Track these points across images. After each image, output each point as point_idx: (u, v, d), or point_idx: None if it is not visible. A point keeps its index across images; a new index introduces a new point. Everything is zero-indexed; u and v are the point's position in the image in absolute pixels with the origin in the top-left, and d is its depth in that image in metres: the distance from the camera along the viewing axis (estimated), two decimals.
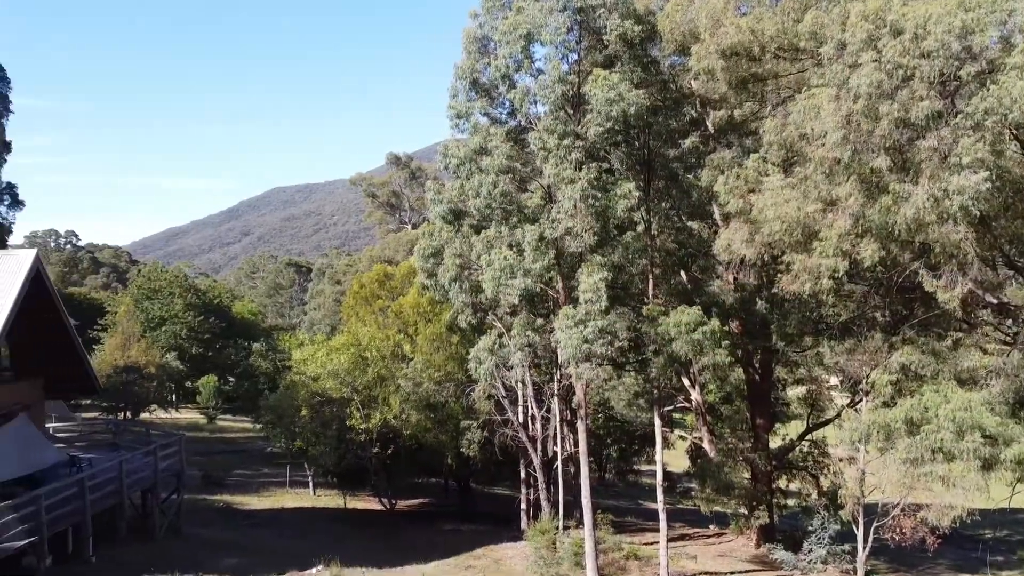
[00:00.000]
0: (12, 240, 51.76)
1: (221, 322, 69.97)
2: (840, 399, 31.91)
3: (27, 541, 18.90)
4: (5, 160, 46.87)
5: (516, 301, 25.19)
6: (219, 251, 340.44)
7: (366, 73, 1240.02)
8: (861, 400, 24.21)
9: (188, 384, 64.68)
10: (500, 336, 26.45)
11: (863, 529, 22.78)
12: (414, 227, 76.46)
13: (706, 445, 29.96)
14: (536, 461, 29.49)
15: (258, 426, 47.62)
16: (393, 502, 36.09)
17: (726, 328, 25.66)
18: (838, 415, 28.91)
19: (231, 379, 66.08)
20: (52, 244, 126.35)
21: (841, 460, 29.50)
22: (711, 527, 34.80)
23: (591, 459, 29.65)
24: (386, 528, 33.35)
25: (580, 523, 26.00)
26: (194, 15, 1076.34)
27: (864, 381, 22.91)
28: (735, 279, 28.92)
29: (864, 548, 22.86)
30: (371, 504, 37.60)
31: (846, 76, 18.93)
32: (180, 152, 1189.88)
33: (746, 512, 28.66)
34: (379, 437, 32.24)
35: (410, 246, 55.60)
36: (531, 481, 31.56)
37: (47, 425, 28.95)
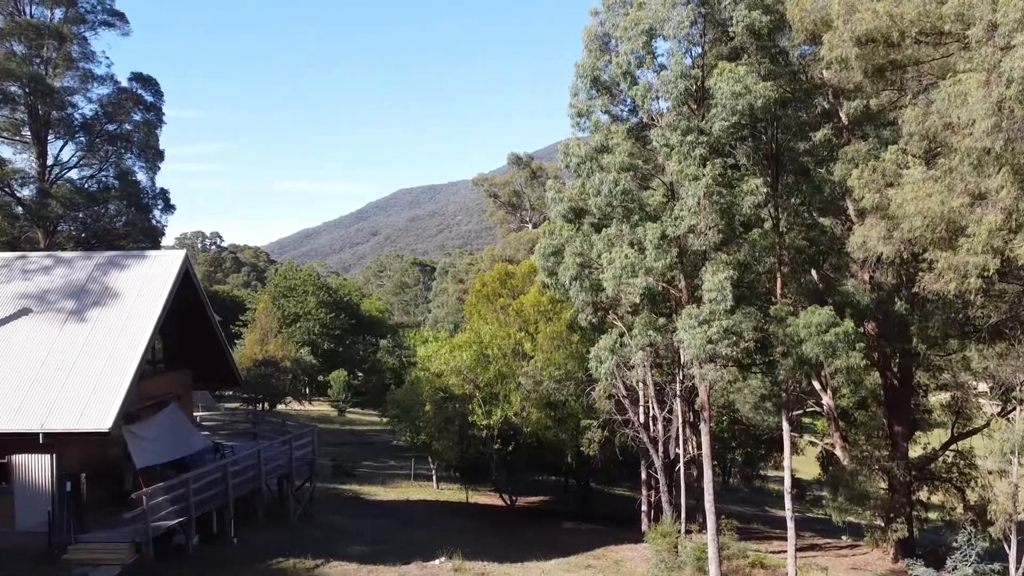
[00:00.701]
0: (164, 242, 55.58)
1: (351, 319, 72.89)
2: (990, 407, 29.68)
3: (177, 521, 20.37)
4: (159, 168, 50.57)
5: (637, 300, 24.88)
6: (349, 251, 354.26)
7: (489, 74, 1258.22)
8: (1014, 409, 22.41)
9: (320, 378, 67.78)
10: (621, 335, 26.19)
11: (1015, 548, 21.10)
12: (535, 226, 76.91)
13: (838, 452, 28.58)
14: (657, 463, 29.03)
15: (385, 420, 49.32)
16: (514, 498, 36.48)
17: (861, 329, 24.37)
18: (987, 424, 26.97)
19: (360, 374, 68.73)
20: (199, 245, 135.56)
21: (991, 473, 27.36)
22: (843, 538, 33.17)
23: (715, 463, 28.90)
24: (506, 523, 33.75)
25: (703, 527, 25.39)
26: (320, 27, 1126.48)
27: (1018, 388, 21.20)
28: (871, 278, 27.42)
29: (1017, 569, 21.17)
30: (492, 499, 38.15)
31: (997, 59, 17.56)
32: (313, 157, 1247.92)
33: (882, 524, 27.14)
34: (500, 434, 32.66)
35: (531, 245, 55.97)
36: (652, 483, 31.10)
37: (195, 414, 31.07)
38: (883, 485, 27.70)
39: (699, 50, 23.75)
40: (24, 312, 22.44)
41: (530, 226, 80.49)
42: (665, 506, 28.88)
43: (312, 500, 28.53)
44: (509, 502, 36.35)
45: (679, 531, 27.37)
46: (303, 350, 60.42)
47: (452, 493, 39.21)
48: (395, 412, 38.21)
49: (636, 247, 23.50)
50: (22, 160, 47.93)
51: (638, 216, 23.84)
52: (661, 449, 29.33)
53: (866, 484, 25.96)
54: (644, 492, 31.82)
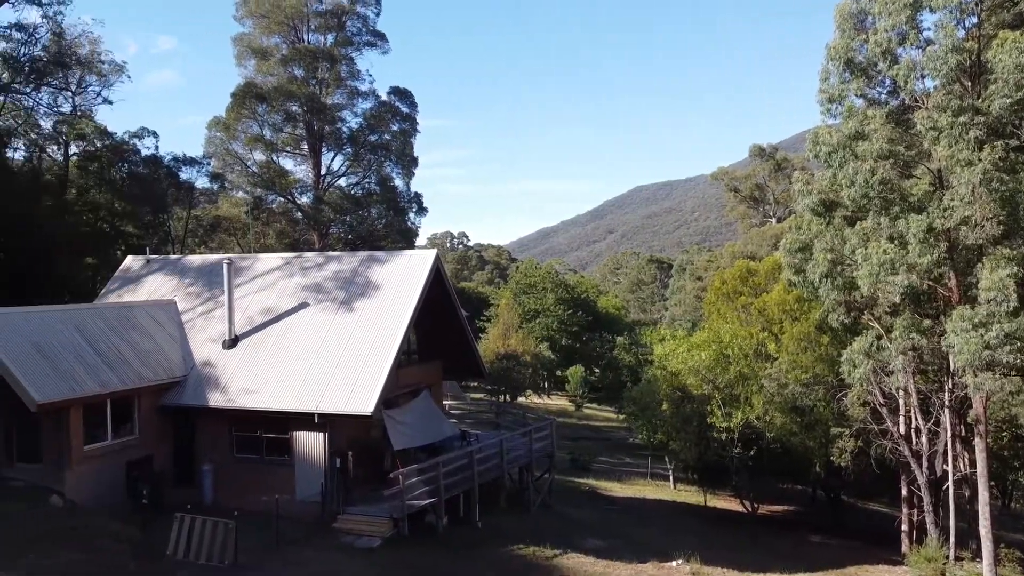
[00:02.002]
0: (417, 242, 60.01)
1: (588, 316, 73.98)
2: None
3: (429, 501, 21.89)
4: (413, 173, 54.70)
5: (897, 299, 22.76)
6: (585, 249, 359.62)
7: (727, 65, 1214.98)
8: None
9: (558, 373, 69.49)
10: (878, 338, 24.11)
11: None
12: (779, 221, 73.05)
13: None
14: (921, 479, 26.33)
15: (621, 416, 49.49)
16: (755, 505, 34.96)
17: None
18: None
19: (596, 370, 69.52)
20: (447, 244, 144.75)
21: None
22: None
23: (992, 484, 25.62)
24: (746, 530, 32.42)
25: (976, 555, 22.66)
26: (555, 30, 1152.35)
27: None
28: None
29: None
30: (731, 504, 36.86)
31: None
32: (551, 157, 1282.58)
33: None
34: (741, 437, 31.46)
35: (774, 241, 53.27)
36: (914, 501, 28.27)
37: (444, 403, 33.20)
38: None
39: (974, 20, 21.21)
40: (303, 305, 25.31)
41: (773, 221, 76.58)
42: (930, 527, 26.12)
43: (551, 491, 29.32)
44: (750, 508, 34.89)
45: (947, 557, 24.64)
46: (542, 345, 62.26)
47: (689, 495, 38.41)
48: (632, 409, 38.22)
49: (896, 241, 21.49)
50: (301, 171, 54.18)
51: (899, 208, 21.79)
52: (925, 464, 26.56)
53: None
54: (905, 510, 29.02)
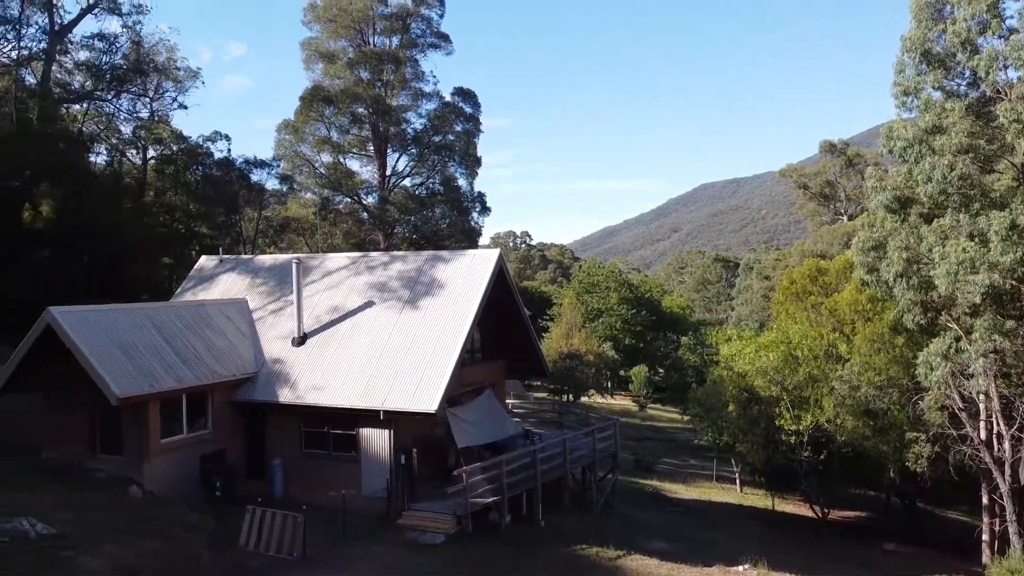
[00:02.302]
0: (480, 241, 60.32)
1: (651, 315, 73.25)
2: None
3: (492, 499, 21.98)
4: (476, 173, 54.97)
5: (978, 300, 21.85)
6: (649, 248, 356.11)
7: (796, 60, 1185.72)
8: None
9: (621, 372, 68.98)
10: (956, 340, 23.20)
11: None
12: (850, 219, 70.96)
13: None
14: (1004, 487, 25.21)
15: (686, 417, 48.86)
16: (825, 510, 34.05)
17: None
18: None
19: (660, 370, 68.81)
20: (510, 244, 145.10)
21: None
22: None
23: None
24: (816, 536, 31.60)
25: None
26: (619, 29, 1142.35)
27: None
28: None
29: None
30: (800, 509, 35.99)
31: None
32: (614, 156, 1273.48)
33: None
34: (810, 440, 30.69)
35: (846, 239, 51.80)
36: (996, 509, 27.09)
37: (507, 402, 33.31)
38: None
39: None
40: (369, 304, 25.73)
41: (844, 219, 74.43)
42: (1013, 538, 24.99)
43: (614, 492, 29.12)
44: (820, 514, 34.00)
45: None
46: (605, 345, 61.92)
47: (756, 498, 37.64)
48: (697, 410, 37.68)
49: (976, 239, 20.65)
50: (367, 172, 55.09)
51: (979, 204, 20.93)
52: (1008, 472, 25.41)
53: None
54: (986, 519, 27.84)
